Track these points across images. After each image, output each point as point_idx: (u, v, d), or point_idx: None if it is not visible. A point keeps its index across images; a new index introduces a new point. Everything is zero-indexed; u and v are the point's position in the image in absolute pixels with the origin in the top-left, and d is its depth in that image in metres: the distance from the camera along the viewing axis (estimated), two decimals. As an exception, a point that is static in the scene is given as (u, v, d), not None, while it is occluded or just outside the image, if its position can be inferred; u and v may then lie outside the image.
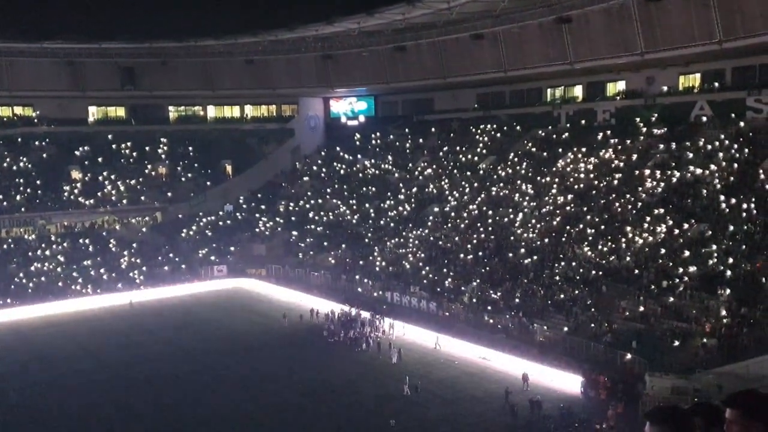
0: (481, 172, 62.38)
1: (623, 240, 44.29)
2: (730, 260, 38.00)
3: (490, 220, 54.32)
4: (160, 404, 33.91)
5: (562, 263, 44.99)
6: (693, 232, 41.93)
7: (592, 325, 38.23)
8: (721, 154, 47.65)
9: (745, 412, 3.30)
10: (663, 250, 41.48)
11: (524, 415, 30.73)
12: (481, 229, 53.68)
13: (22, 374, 38.63)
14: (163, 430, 30.80)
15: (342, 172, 73.92)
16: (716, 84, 53.14)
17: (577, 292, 41.60)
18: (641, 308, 37.70)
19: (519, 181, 57.60)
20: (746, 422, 3.28)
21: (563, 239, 47.70)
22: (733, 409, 3.33)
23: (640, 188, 48.57)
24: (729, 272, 37.20)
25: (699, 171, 47.18)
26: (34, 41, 67.00)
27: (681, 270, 39.09)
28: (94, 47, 70.35)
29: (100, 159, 71.63)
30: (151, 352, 42.20)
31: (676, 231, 42.76)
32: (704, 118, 52.33)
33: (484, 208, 56.39)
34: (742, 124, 49.34)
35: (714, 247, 39.72)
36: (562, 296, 41.92)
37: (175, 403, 33.92)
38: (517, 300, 43.43)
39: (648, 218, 45.08)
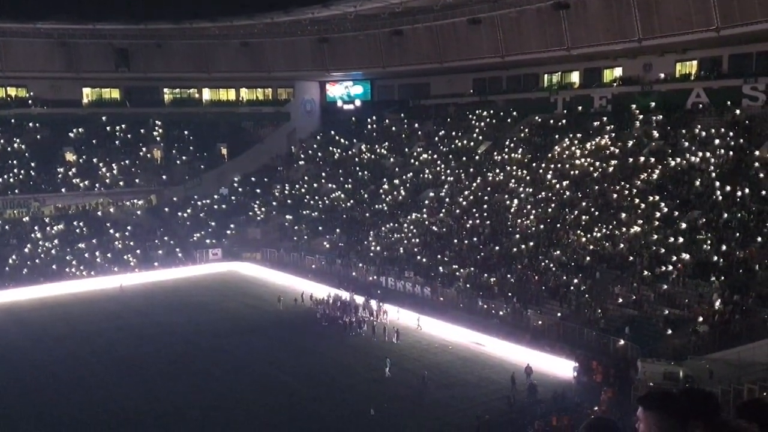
0: (477, 157, 62.36)
1: (618, 226, 44.40)
2: (724, 247, 38.16)
3: (485, 206, 54.36)
4: (154, 387, 33.97)
5: (558, 250, 45.09)
6: (687, 220, 42.06)
7: (586, 311, 38.39)
8: (716, 142, 47.74)
9: (662, 412, 3.36)
10: (657, 237, 41.62)
11: (520, 399, 30.82)
12: (477, 214, 53.73)
13: (15, 356, 38.69)
14: (156, 413, 30.86)
15: (337, 156, 73.78)
16: (713, 71, 53.11)
17: (571, 278, 41.71)
18: (635, 295, 37.84)
19: (515, 167, 57.60)
20: (661, 421, 3.33)
21: (558, 225, 47.81)
22: (647, 410, 3.37)
23: (635, 175, 48.63)
24: (722, 260, 37.38)
25: (694, 158, 47.26)
26: (28, 21, 66.43)
27: (675, 257, 39.25)
28: (88, 28, 69.81)
29: (94, 141, 71.34)
30: (145, 335, 42.22)
31: (671, 218, 42.90)
32: (700, 106, 52.36)
33: (480, 194, 56.42)
34: (738, 111, 49.40)
35: (708, 234, 39.87)
36: (556, 282, 42.06)
37: (169, 386, 33.99)
38: (511, 285, 43.53)
39: (643, 205, 45.20)
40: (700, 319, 33.80)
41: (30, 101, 72.49)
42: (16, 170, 65.66)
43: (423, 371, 33.91)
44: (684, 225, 41.76)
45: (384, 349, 38.89)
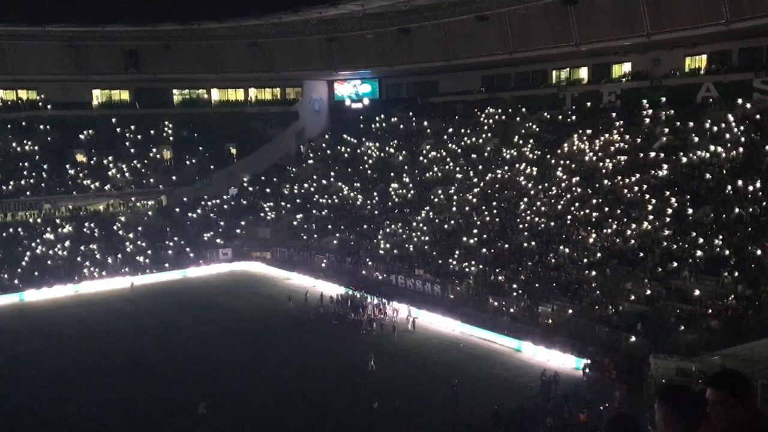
0: (486, 154, 62.23)
1: (629, 222, 44.20)
2: (736, 242, 37.91)
3: (494, 203, 54.27)
4: (165, 386, 34.13)
5: (569, 246, 44.93)
6: (698, 215, 41.83)
7: (597, 307, 38.27)
8: (727, 136, 47.43)
9: (730, 392, 3.29)
10: (668, 233, 41.42)
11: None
12: (486, 211, 53.65)
13: (27, 356, 38.98)
14: (167, 412, 31.00)
15: (346, 155, 73.83)
16: (723, 66, 52.76)
17: (582, 274, 41.58)
18: (647, 291, 37.68)
19: (524, 164, 57.45)
20: (731, 402, 3.27)
21: (568, 221, 47.65)
22: (718, 389, 3.31)
23: (645, 170, 48.39)
24: (734, 255, 37.14)
25: (705, 153, 46.97)
26: (38, 25, 66.78)
27: (686, 252, 39.03)
28: (98, 30, 70.08)
29: (104, 142, 71.69)
30: (156, 335, 42.40)
31: (682, 213, 42.67)
32: (710, 100, 52.03)
33: (489, 191, 56.31)
34: (748, 105, 49.04)
35: (719, 229, 39.62)
36: (567, 278, 41.92)
37: (179, 385, 34.13)
38: (522, 282, 43.43)
39: (653, 200, 44.97)
40: (711, 311, 33.61)
41: (40, 103, 72.93)
42: (27, 172, 66.07)
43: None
44: (695, 220, 41.54)
45: (393, 346, 39.00)
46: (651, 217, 43.64)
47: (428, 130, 70.92)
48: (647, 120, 54.15)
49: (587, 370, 33.36)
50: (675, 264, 38.52)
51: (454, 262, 48.92)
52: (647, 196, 45.75)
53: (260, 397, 32.41)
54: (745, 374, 3.45)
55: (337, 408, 30.90)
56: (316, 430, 29.02)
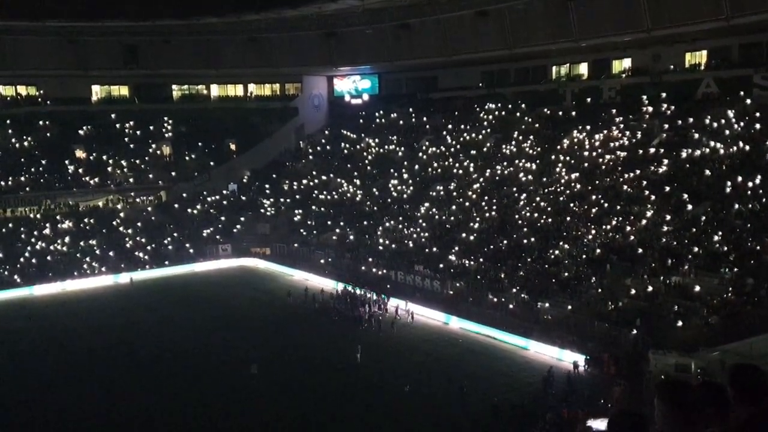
0: (486, 150, 62.19)
1: (628, 218, 44.18)
2: (735, 238, 37.91)
3: (494, 199, 54.24)
4: (165, 383, 34.13)
5: (568, 242, 44.92)
6: (698, 211, 41.81)
7: (597, 304, 38.23)
8: (727, 132, 47.41)
9: (750, 387, 3.28)
10: (668, 229, 41.40)
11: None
12: (486, 207, 53.62)
13: (25, 353, 38.98)
14: (166, 410, 31.00)
15: (346, 151, 73.76)
16: (723, 61, 52.70)
17: (581, 270, 41.55)
18: (646, 287, 37.66)
19: (523, 160, 57.42)
20: (751, 396, 3.25)
21: (568, 217, 47.64)
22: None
23: (645, 166, 48.37)
24: (734, 251, 37.14)
25: (705, 149, 46.96)
26: (37, 20, 66.61)
27: (686, 248, 39.02)
28: (97, 25, 69.95)
29: (104, 138, 71.62)
30: (155, 331, 42.41)
31: (681, 209, 42.66)
32: (710, 93, 52.00)
33: (489, 187, 56.28)
34: (748, 101, 49.01)
35: (719, 225, 39.61)
36: (566, 274, 41.91)
37: (178, 382, 34.12)
38: (521, 278, 43.42)
39: (653, 196, 44.95)
40: (710, 308, 33.64)
41: (39, 99, 72.84)
42: (26, 168, 66.00)
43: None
44: (695, 216, 41.52)
45: (392, 342, 38.99)
46: (651, 213, 43.62)
47: (428, 126, 70.85)
48: (647, 116, 54.11)
49: (586, 367, 33.38)
50: (674, 260, 38.50)
51: (454, 258, 48.90)
52: (647, 192, 45.73)
53: (260, 394, 32.39)
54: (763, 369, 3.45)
55: (337, 407, 30.92)
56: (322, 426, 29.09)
